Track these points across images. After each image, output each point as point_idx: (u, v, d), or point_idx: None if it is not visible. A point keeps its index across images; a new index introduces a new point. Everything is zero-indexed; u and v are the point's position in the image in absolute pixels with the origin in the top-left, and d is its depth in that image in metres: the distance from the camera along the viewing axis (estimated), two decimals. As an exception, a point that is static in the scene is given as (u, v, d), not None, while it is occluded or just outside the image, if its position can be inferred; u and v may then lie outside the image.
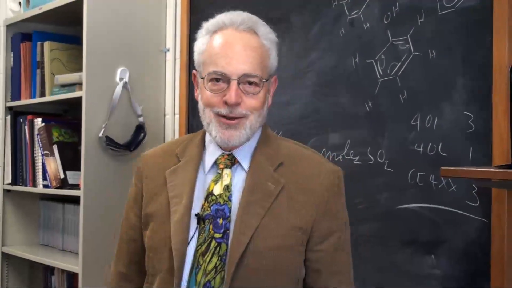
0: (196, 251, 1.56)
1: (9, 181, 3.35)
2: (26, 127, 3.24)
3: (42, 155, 3.10)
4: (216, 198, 1.59)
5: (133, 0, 2.92)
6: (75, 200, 3.08)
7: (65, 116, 3.32)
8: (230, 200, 1.59)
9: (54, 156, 3.06)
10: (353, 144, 2.16)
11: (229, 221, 1.57)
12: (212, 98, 1.59)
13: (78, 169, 2.88)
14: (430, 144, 1.94)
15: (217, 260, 1.54)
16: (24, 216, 3.46)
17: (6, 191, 3.40)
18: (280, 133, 2.40)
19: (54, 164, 3.06)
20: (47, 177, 3.07)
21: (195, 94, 1.68)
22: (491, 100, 1.80)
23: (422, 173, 1.96)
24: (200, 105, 1.63)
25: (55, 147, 3.07)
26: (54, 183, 3.04)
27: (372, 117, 2.10)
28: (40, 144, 3.12)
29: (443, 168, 1.61)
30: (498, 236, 1.77)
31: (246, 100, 1.58)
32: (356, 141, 2.15)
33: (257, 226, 1.55)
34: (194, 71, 1.69)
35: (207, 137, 1.68)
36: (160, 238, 1.60)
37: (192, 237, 1.57)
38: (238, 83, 1.56)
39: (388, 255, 2.05)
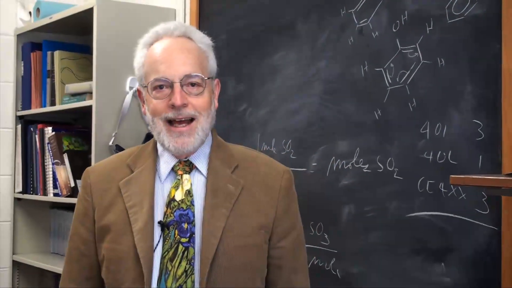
0: (163, 257, 1.59)
1: (20, 189, 3.37)
2: (37, 136, 3.25)
3: (53, 163, 3.12)
4: (179, 203, 1.62)
5: (142, 9, 2.94)
6: (85, 209, 3.09)
7: (75, 125, 3.34)
8: (193, 205, 1.62)
9: (65, 164, 3.08)
10: (362, 152, 2.16)
11: (194, 225, 1.61)
12: (158, 105, 1.62)
13: (89, 178, 2.90)
14: (440, 152, 1.94)
15: (186, 264, 1.58)
16: (34, 224, 3.48)
17: (17, 200, 3.42)
18: (290, 141, 2.41)
19: (64, 173, 3.08)
20: (58, 186, 3.09)
21: (142, 110, 1.71)
22: (500, 108, 1.80)
23: (431, 181, 1.96)
24: (149, 116, 1.67)
25: (65, 156, 3.09)
26: (64, 192, 3.06)
27: (381, 125, 2.11)
28: (51, 153, 3.13)
29: (452, 176, 1.61)
30: (508, 243, 1.76)
31: (192, 101, 1.62)
32: (366, 149, 2.15)
33: (224, 227, 1.60)
34: (138, 87, 1.73)
35: (159, 147, 1.70)
36: (123, 248, 1.61)
37: (157, 244, 1.60)
38: (181, 86, 1.60)
39: (397, 263, 2.04)
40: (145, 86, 1.65)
